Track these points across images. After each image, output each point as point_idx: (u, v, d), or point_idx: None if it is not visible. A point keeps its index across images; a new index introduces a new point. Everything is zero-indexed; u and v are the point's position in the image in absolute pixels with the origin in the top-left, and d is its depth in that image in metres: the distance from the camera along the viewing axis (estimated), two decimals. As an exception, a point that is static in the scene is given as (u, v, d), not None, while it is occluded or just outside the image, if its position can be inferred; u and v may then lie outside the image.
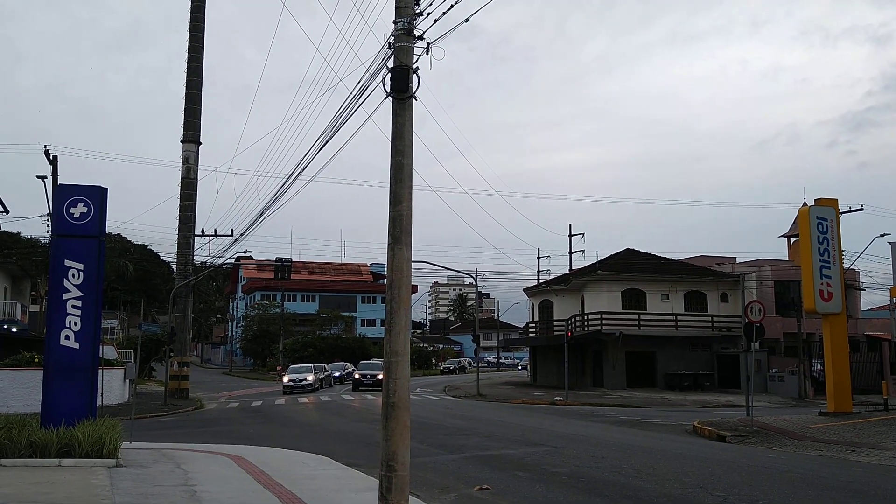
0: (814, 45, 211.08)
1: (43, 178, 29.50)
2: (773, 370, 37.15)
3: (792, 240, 44.90)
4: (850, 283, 37.36)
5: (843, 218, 25.46)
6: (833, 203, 24.83)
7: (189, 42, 35.14)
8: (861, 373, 35.31)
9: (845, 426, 19.80)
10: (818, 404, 26.87)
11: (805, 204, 26.44)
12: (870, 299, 53.45)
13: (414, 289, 72.95)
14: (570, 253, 54.64)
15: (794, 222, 41.11)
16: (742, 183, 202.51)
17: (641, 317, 41.08)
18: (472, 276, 43.99)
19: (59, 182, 28.54)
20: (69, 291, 12.66)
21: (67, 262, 12.74)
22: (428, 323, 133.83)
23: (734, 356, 38.04)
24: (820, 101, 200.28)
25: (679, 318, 41.25)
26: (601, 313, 40.56)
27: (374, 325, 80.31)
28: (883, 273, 40.64)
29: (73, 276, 12.70)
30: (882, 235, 33.50)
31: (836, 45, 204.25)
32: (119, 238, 68.80)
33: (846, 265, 30.14)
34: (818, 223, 23.81)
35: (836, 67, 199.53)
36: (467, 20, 9.67)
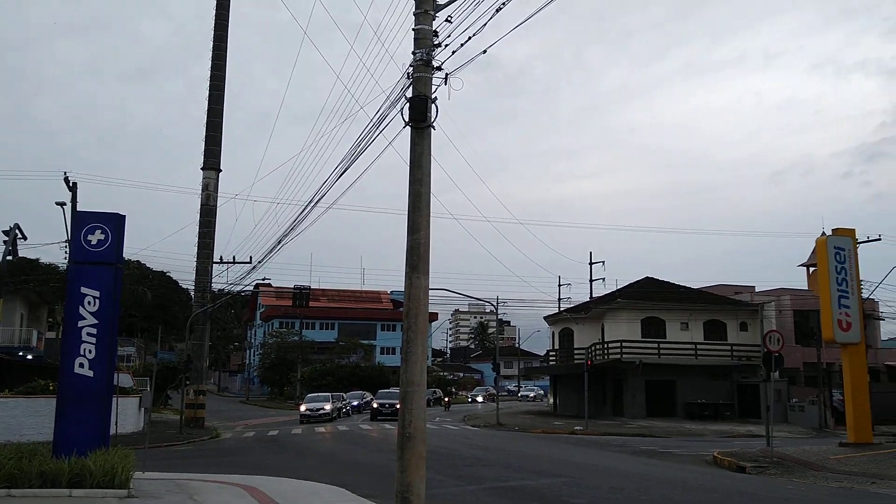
0: (827, 77, 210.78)
1: (62, 204, 29.42)
2: (794, 400, 36.53)
3: (811, 269, 44.46)
4: (870, 313, 36.81)
5: (861, 248, 25.19)
6: (850, 233, 24.58)
7: (211, 70, 35.55)
8: (882, 403, 34.45)
9: (866, 457, 19.38)
10: (839, 434, 26.36)
11: (823, 234, 26.17)
12: (890, 329, 52.68)
13: (434, 316, 72.34)
14: (591, 281, 54.47)
15: (812, 252, 40.70)
16: (760, 212, 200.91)
17: (661, 345, 40.70)
18: (492, 304, 43.73)
19: (78, 209, 28.76)
20: (84, 319, 12.55)
21: (84, 290, 12.65)
22: (448, 351, 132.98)
23: (754, 385, 37.48)
24: (834, 132, 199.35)
25: (698, 346, 40.81)
26: (621, 342, 40.23)
27: (393, 353, 79.79)
28: (904, 302, 39.98)
29: (89, 303, 12.60)
30: (901, 265, 33.03)
31: (849, 77, 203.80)
32: (138, 265, 69.07)
33: (865, 295, 29.71)
34: (836, 253, 23.56)
35: (849, 99, 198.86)
36: (485, 52, 9.74)
